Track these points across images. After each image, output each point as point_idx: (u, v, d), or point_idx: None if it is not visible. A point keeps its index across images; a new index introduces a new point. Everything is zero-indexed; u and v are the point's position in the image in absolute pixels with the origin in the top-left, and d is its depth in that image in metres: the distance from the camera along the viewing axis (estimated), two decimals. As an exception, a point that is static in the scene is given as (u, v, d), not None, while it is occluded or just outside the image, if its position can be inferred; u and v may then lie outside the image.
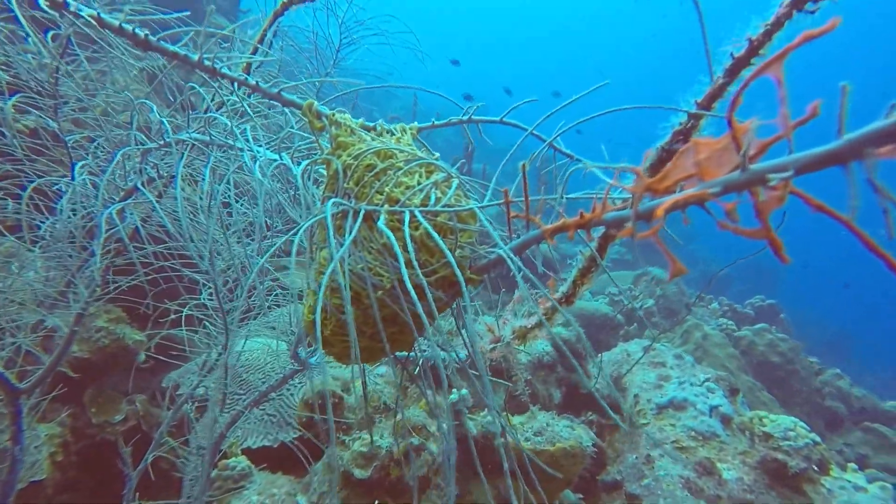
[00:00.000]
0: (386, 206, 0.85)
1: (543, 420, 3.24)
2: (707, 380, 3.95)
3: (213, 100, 1.61)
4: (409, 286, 0.69)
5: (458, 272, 0.77)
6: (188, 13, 1.84)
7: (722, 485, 3.21)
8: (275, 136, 1.21)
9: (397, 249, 0.78)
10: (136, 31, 1.18)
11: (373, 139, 0.94)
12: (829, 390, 6.69)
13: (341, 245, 0.92)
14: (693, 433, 3.55)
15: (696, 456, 3.39)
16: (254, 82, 1.14)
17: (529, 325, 1.18)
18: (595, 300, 6.93)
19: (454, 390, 3.38)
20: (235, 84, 1.17)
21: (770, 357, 6.42)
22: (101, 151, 1.93)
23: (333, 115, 0.96)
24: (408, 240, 0.78)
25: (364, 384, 0.84)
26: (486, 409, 3.85)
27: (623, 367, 4.12)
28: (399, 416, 3.22)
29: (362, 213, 0.85)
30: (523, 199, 0.74)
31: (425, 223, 0.81)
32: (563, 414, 3.39)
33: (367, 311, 0.91)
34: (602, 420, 3.79)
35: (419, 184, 0.88)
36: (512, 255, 0.77)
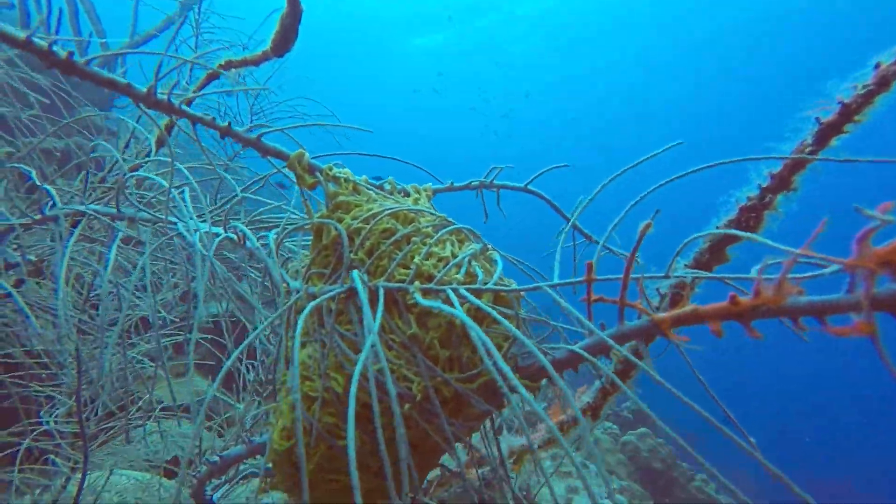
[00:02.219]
0: (417, 283, 0.62)
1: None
2: (612, 492, 3.86)
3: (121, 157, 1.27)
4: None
5: (510, 374, 0.56)
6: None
7: None
8: (218, 204, 0.93)
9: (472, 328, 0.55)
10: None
11: (384, 199, 0.73)
12: (703, 497, 6.99)
13: (328, 337, 0.66)
14: (608, 554, 3.34)
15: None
16: (225, 124, 0.88)
17: (538, 444, 0.95)
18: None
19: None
20: (194, 124, 0.90)
21: (653, 463, 6.62)
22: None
23: (331, 167, 0.74)
24: (466, 319, 0.56)
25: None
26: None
27: (532, 476, 3.89)
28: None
29: (381, 292, 0.61)
30: (618, 277, 0.57)
31: (484, 305, 0.59)
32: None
33: (373, 436, 0.63)
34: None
35: (453, 255, 0.67)
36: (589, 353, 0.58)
